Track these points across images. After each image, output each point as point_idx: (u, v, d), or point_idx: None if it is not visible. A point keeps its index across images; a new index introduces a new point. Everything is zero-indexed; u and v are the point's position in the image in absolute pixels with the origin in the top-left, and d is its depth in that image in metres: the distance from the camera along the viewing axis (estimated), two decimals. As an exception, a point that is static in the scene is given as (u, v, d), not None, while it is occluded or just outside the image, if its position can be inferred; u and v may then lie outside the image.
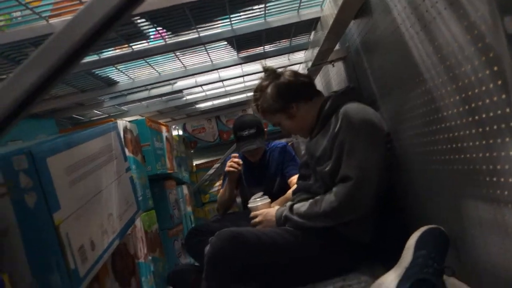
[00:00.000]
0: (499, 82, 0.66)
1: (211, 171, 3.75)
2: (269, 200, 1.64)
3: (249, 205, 1.62)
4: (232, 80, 2.24)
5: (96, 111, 2.43)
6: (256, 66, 1.91)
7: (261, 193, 1.65)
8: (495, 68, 0.66)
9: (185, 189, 2.89)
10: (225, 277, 1.27)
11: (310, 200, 1.37)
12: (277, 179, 2.20)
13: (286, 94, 1.46)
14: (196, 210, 3.63)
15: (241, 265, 1.28)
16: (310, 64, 1.66)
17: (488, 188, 0.78)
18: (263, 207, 1.58)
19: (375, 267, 1.40)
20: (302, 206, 1.38)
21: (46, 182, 0.80)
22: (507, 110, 0.66)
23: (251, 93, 2.80)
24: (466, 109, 0.80)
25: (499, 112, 0.69)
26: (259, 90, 1.52)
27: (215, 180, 3.83)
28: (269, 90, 1.48)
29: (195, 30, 1.29)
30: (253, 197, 1.64)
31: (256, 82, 2.37)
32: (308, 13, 1.26)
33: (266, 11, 1.19)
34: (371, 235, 1.40)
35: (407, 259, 1.00)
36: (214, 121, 3.82)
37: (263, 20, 1.24)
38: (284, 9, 1.23)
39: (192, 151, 3.91)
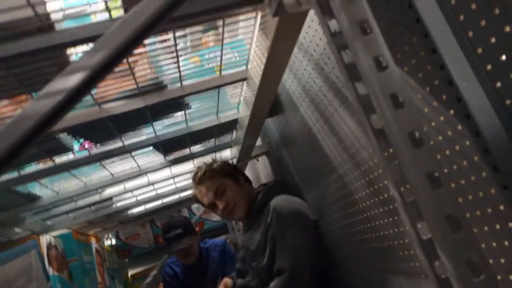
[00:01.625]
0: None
1: (148, 279, 3.52)
2: None
3: None
4: (163, 182, 2.25)
5: (17, 229, 2.26)
6: (185, 167, 1.96)
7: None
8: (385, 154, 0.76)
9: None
10: None
11: None
12: (219, 280, 2.13)
13: (234, 167, 1.56)
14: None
15: None
16: (235, 160, 1.75)
17: (403, 262, 0.84)
18: None
19: None
20: None
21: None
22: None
23: (184, 193, 2.80)
24: (371, 191, 0.89)
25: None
26: (207, 164, 1.54)
27: (154, 289, 3.58)
28: (219, 162, 1.53)
29: (119, 140, 1.33)
30: None
31: (187, 182, 2.41)
32: (226, 116, 1.37)
33: (187, 117, 1.27)
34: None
35: None
36: (149, 226, 3.70)
37: (185, 125, 1.32)
38: (204, 114, 1.32)
39: (126, 260, 3.68)
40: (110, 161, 1.59)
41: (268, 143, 1.72)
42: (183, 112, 1.22)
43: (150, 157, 1.71)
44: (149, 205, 3.01)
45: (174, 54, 0.86)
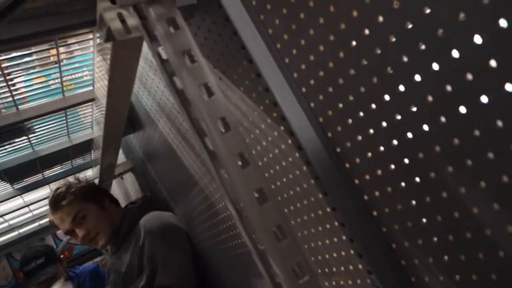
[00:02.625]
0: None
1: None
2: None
3: None
4: (15, 212, 2.01)
5: None
6: (40, 193, 1.78)
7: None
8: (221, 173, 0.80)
9: None
10: None
11: None
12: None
13: (97, 189, 1.45)
14: None
15: None
16: (99, 180, 1.65)
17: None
18: None
19: None
20: None
21: None
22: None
23: (44, 220, 2.54)
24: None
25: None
26: (67, 185, 1.39)
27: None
28: (80, 185, 1.39)
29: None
30: None
31: (46, 207, 2.19)
32: (80, 137, 1.29)
33: (34, 141, 1.16)
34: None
35: None
36: (5, 260, 3.26)
37: (31, 150, 1.20)
38: (52, 137, 1.22)
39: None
40: None
41: (132, 160, 1.66)
42: (25, 137, 1.10)
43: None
44: (3, 238, 2.67)
45: (2, 78, 0.78)
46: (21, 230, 2.61)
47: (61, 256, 2.15)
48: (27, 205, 1.91)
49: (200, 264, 1.37)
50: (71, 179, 1.43)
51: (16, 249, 3.25)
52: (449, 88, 0.36)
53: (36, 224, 2.62)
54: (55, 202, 1.35)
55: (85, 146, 1.43)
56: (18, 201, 1.86)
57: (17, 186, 1.53)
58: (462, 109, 0.35)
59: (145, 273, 1.29)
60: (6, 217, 2.05)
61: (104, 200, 1.44)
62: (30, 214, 2.29)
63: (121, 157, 1.75)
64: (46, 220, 2.53)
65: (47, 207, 1.47)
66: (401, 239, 0.48)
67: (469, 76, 0.34)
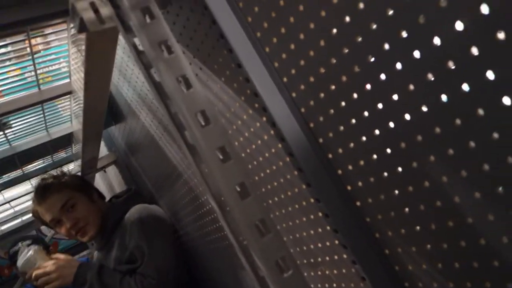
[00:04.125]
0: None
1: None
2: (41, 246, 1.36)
3: (21, 264, 1.28)
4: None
5: None
6: (22, 188, 1.75)
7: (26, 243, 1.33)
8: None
9: None
10: None
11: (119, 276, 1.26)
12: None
13: (84, 181, 1.43)
14: None
15: None
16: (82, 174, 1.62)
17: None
18: (44, 259, 1.27)
19: None
20: (110, 277, 1.27)
21: None
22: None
23: (27, 216, 2.50)
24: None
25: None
26: (54, 175, 1.35)
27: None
28: (68, 176, 1.37)
29: None
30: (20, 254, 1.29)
31: (28, 203, 2.15)
32: (59, 131, 1.26)
33: (9, 137, 1.13)
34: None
35: None
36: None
37: (8, 146, 1.17)
38: (30, 132, 1.19)
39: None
40: None
41: (115, 152, 1.63)
42: (1, 132, 1.07)
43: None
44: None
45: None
46: (3, 227, 2.56)
47: (50, 248, 2.11)
48: (8, 202, 1.87)
49: (188, 255, 1.37)
50: (54, 172, 1.39)
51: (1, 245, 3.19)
52: (430, 76, 0.35)
53: (19, 220, 2.58)
54: (44, 190, 1.30)
55: (65, 140, 1.40)
56: (-1, 197, 1.82)
57: (-4, 182, 1.49)
58: (444, 97, 0.35)
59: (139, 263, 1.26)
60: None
61: (92, 192, 1.42)
62: (11, 211, 2.25)
63: (103, 150, 1.72)
64: (29, 216, 2.49)
65: (30, 202, 1.43)
66: (385, 229, 0.48)
67: (450, 64, 0.33)
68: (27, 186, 1.86)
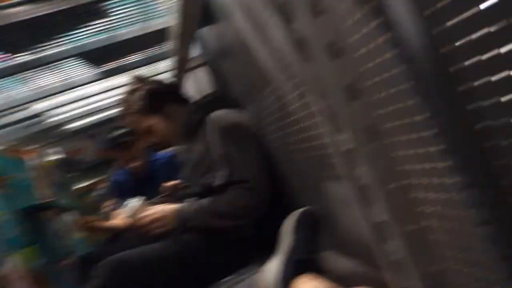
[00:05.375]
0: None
1: (97, 193, 3.53)
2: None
3: (129, 211, 1.45)
4: (97, 96, 2.13)
5: None
6: (119, 80, 1.85)
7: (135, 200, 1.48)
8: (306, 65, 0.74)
9: (70, 216, 2.68)
10: None
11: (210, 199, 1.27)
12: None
13: (158, 95, 1.42)
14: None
15: None
16: (173, 73, 1.66)
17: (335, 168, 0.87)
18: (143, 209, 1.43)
19: (265, 257, 1.45)
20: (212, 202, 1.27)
21: None
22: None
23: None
24: (303, 103, 0.88)
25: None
26: (128, 93, 1.42)
27: (103, 202, 3.60)
28: (140, 92, 1.41)
29: (38, 49, 1.20)
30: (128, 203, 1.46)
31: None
32: (154, 25, 1.26)
33: (110, 26, 1.15)
34: (256, 228, 1.43)
35: (287, 243, 1.06)
36: (90, 140, 3.60)
37: (109, 35, 1.20)
38: (129, 22, 1.20)
39: (72, 175, 3.62)
40: (34, 73, 1.45)
41: (206, 55, 1.63)
42: (106, 19, 1.10)
43: (80, 70, 1.58)
44: (87, 120, 2.90)
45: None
46: (101, 115, 2.80)
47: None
48: (109, 90, 2.00)
49: (270, 164, 1.37)
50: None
51: (98, 131, 3.55)
52: None
53: (115, 110, 2.79)
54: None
55: (160, 35, 1.41)
56: (101, 86, 1.95)
57: (99, 70, 1.59)
58: None
59: (223, 171, 1.27)
60: (91, 99, 2.20)
61: (165, 106, 1.42)
62: (112, 99, 2.42)
63: (194, 52, 1.72)
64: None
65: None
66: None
67: None
68: (124, 78, 1.95)
